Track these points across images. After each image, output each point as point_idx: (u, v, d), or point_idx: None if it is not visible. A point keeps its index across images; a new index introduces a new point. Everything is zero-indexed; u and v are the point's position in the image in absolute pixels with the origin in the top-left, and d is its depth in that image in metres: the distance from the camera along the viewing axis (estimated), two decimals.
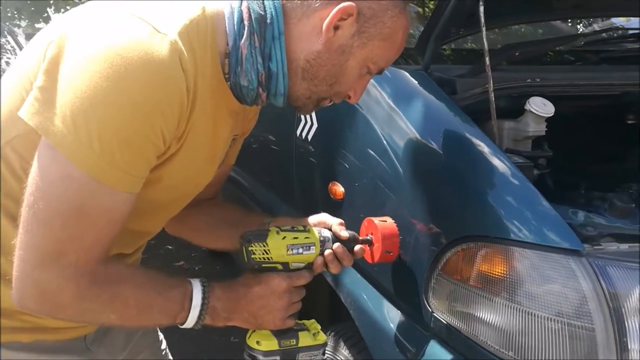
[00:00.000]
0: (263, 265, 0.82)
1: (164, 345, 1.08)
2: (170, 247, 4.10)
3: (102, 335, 0.92)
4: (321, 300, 1.52)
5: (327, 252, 0.87)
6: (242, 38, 0.74)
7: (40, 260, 0.67)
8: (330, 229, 0.90)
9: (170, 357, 1.10)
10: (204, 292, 0.78)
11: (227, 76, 0.77)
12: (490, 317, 0.87)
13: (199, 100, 0.73)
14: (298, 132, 1.54)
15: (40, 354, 0.82)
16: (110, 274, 0.73)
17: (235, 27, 0.75)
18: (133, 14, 0.68)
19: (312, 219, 0.94)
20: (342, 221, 0.93)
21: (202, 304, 0.78)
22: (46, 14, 17.06)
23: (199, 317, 0.78)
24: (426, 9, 1.96)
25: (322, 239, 0.86)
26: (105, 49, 0.65)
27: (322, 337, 0.88)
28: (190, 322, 0.78)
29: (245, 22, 0.75)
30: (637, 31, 1.77)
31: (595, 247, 0.84)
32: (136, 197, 0.71)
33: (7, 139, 0.74)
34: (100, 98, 0.64)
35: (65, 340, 0.85)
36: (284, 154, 1.71)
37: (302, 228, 0.87)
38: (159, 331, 1.08)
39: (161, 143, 0.70)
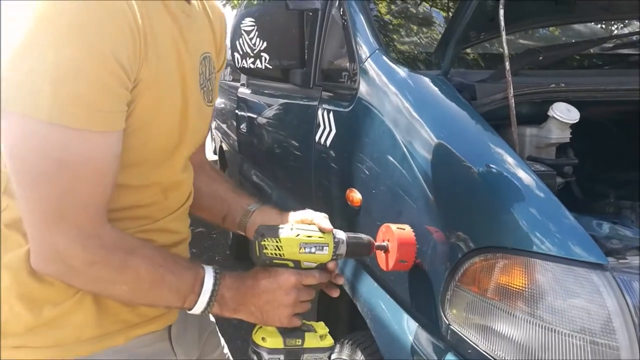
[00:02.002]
0: (274, 261, 0.82)
1: (226, 349, 1.07)
2: (194, 250, 4.14)
3: (182, 330, 0.91)
4: (342, 308, 1.50)
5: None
6: None
7: (44, 222, 0.67)
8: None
9: None
10: (215, 279, 0.78)
11: None
12: (509, 332, 0.84)
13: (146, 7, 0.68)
14: (317, 138, 1.53)
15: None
16: (121, 242, 0.72)
17: None
18: None
19: (296, 215, 0.93)
20: (326, 215, 0.90)
21: (213, 290, 0.78)
22: None
23: (208, 304, 0.78)
24: (450, 13, 1.93)
25: (336, 240, 0.85)
26: None
27: (329, 340, 0.86)
28: (198, 308, 0.78)
29: None
30: None
31: (620, 260, 0.80)
32: (120, 139, 0.68)
33: None
34: (32, 38, 0.60)
35: (152, 334, 0.84)
36: (303, 159, 1.70)
37: (318, 227, 0.85)
38: (220, 336, 1.07)
39: (120, 69, 0.65)
